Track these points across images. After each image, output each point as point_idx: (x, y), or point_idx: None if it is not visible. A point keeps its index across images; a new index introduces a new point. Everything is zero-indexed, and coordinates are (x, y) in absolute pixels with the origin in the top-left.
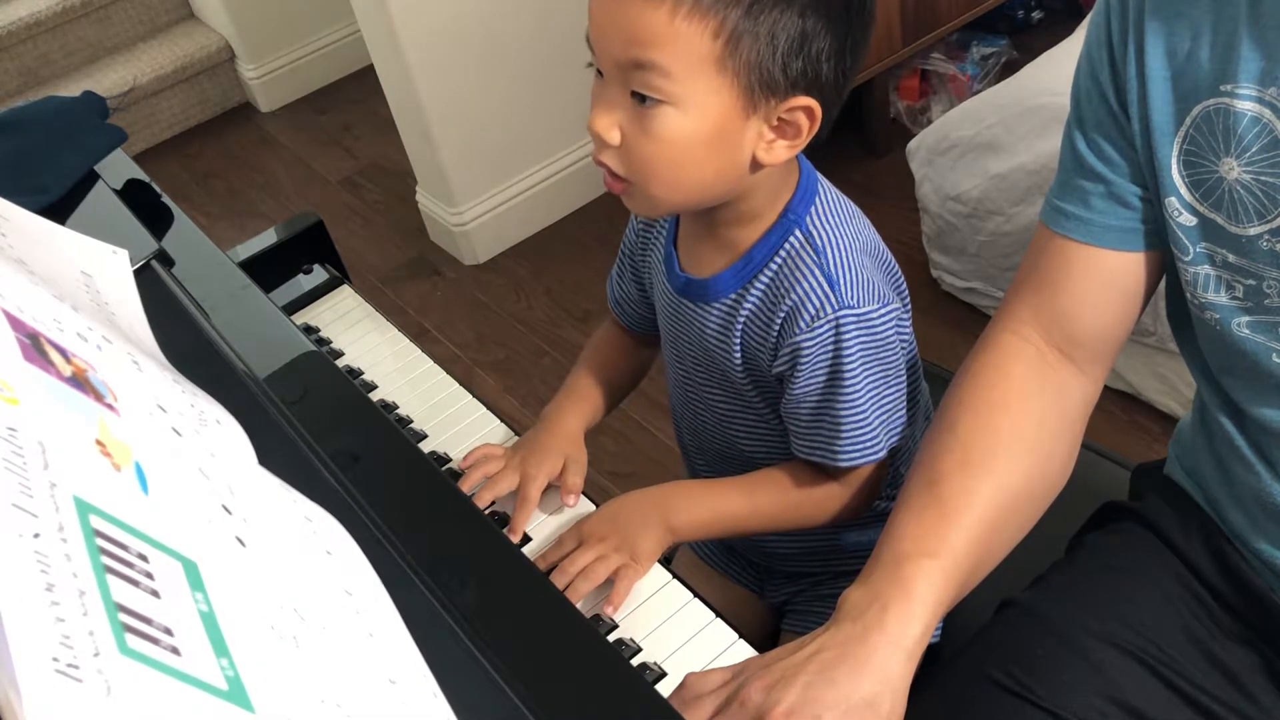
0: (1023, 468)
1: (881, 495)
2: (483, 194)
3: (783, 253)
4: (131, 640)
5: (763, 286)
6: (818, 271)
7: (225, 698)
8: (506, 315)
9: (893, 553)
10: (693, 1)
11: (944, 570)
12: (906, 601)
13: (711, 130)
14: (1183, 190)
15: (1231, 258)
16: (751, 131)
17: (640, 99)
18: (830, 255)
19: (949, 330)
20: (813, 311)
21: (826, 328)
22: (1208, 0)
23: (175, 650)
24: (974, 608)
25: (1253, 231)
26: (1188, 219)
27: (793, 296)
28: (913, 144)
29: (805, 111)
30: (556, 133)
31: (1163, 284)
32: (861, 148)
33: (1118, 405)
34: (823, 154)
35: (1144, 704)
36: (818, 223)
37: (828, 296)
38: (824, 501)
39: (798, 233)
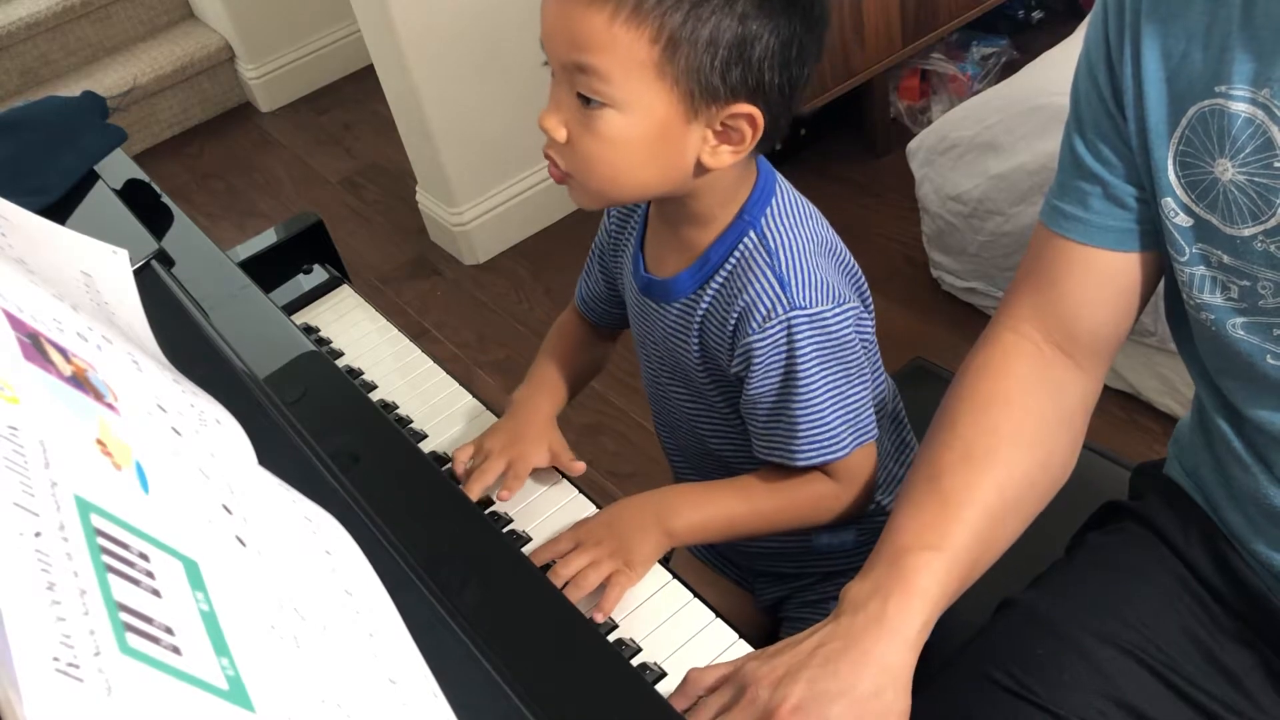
0: (1024, 463)
1: (880, 491)
2: (483, 194)
3: (736, 254)
4: (132, 639)
5: (717, 287)
6: (769, 272)
7: (225, 697)
8: (506, 315)
9: (894, 546)
10: (631, 8)
11: (945, 563)
12: (907, 594)
13: (652, 133)
14: (1178, 191)
15: (1226, 258)
16: (694, 136)
17: (585, 100)
18: (783, 256)
19: (949, 330)
20: (764, 312)
21: (778, 329)
22: (1202, 2)
23: (176, 650)
24: (974, 608)
25: (1247, 232)
26: (1183, 219)
27: (745, 297)
28: (913, 144)
29: (747, 119)
30: None
31: (1162, 285)
32: (861, 148)
33: (1118, 405)
34: (822, 154)
35: (1144, 704)
36: (772, 224)
37: (779, 298)
38: (822, 501)
39: (752, 234)
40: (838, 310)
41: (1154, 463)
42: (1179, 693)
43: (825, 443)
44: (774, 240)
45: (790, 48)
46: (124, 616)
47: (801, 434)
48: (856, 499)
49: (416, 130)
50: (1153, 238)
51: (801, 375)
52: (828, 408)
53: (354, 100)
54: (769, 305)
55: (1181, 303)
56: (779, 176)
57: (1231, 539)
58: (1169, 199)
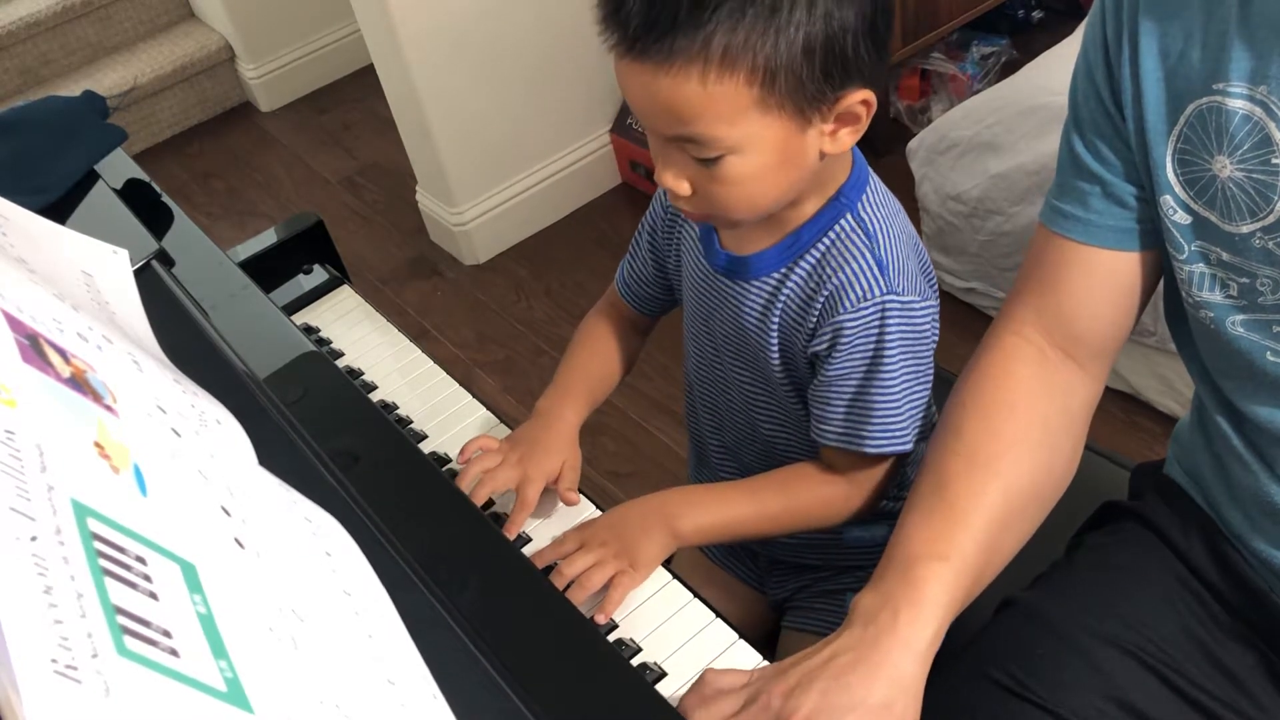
0: (1029, 468)
1: (888, 496)
2: (483, 194)
3: (832, 234)
4: (130, 642)
5: (809, 266)
6: (869, 255)
7: (224, 699)
8: (506, 315)
9: (903, 556)
10: (719, 60)
11: (954, 572)
12: (917, 605)
13: (775, 158)
14: (1177, 189)
15: (1225, 255)
16: (813, 135)
17: (699, 158)
18: (881, 241)
19: (949, 330)
20: (860, 292)
21: (873, 310)
22: (1200, 1)
23: (174, 652)
24: (974, 607)
25: (1245, 229)
26: (1182, 217)
27: (840, 276)
28: (913, 144)
29: (860, 103)
30: (556, 133)
31: (1161, 284)
32: (861, 147)
33: (1118, 405)
34: None
35: (1144, 703)
36: (869, 210)
37: (877, 279)
38: (830, 503)
39: (849, 216)
40: (924, 304)
41: (1154, 463)
42: (1179, 692)
43: (896, 432)
44: (872, 225)
45: (875, 16)
46: (121, 619)
47: (876, 420)
48: (865, 503)
49: (416, 130)
50: (1153, 237)
51: (886, 361)
52: (902, 399)
53: (354, 100)
54: (866, 285)
55: (1180, 302)
56: (868, 165)
57: (1231, 537)
58: (1168, 196)
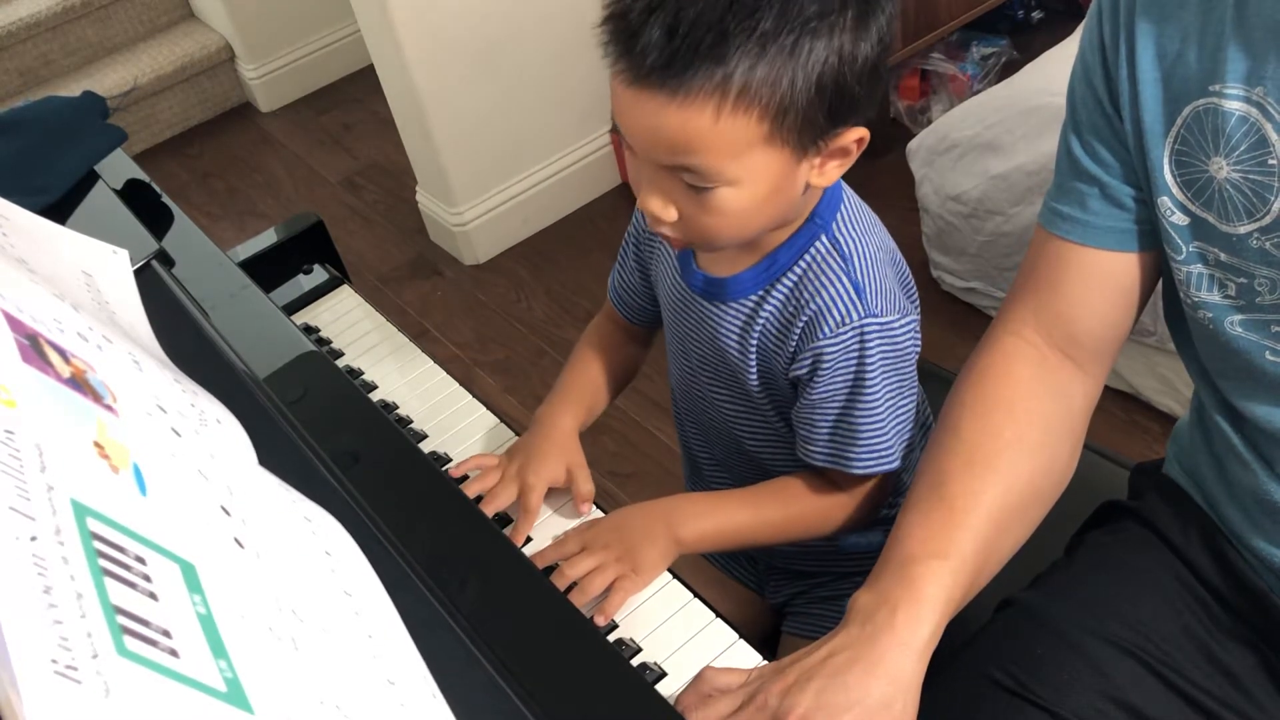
0: (1028, 468)
1: (885, 504)
2: (483, 194)
3: (808, 257)
4: (130, 642)
5: (786, 290)
6: (844, 278)
7: (224, 699)
8: (506, 315)
9: (900, 555)
10: (734, 99)
11: (952, 571)
12: (915, 603)
13: (768, 191)
14: (1174, 190)
15: (1223, 256)
16: (804, 168)
17: (693, 185)
18: (857, 263)
19: (949, 330)
20: (838, 318)
21: (851, 335)
22: (1196, 2)
23: (174, 652)
24: (974, 607)
25: (1242, 230)
26: (1180, 218)
27: (818, 301)
28: (913, 144)
29: (856, 140)
30: (556, 132)
31: (1160, 284)
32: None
33: (1118, 405)
34: None
35: (1143, 703)
36: (844, 230)
37: (854, 303)
38: (830, 511)
39: (824, 238)
40: (903, 320)
41: (1153, 462)
42: (1179, 692)
43: (882, 452)
44: (847, 246)
45: (880, 53)
46: (121, 620)
47: (862, 442)
48: (863, 512)
49: (416, 130)
50: (1151, 238)
51: (868, 383)
52: (887, 418)
53: (354, 100)
54: (844, 311)
55: (1179, 302)
56: (843, 182)
57: (1231, 537)
58: (1165, 198)
